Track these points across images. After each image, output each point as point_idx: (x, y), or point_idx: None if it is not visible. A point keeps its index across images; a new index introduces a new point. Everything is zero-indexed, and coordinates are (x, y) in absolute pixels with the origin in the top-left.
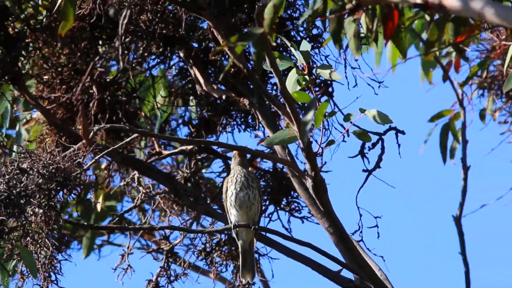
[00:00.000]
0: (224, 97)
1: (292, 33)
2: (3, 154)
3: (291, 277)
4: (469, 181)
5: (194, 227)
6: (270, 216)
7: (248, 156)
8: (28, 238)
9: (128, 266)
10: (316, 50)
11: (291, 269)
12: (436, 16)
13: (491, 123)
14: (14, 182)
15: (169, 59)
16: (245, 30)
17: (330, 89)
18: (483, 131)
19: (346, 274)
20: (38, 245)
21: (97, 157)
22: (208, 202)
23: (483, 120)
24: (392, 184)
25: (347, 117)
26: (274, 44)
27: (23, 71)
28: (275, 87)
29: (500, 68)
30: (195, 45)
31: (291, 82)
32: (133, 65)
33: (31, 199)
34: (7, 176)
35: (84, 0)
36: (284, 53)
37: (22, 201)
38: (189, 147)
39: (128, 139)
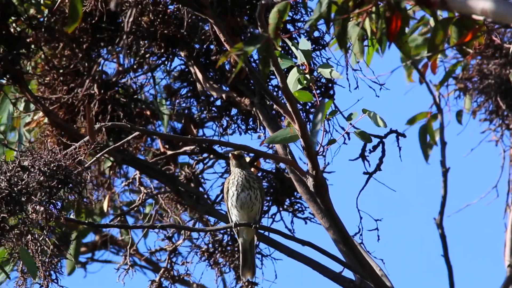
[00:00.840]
0: (225, 97)
1: (293, 35)
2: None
3: (292, 278)
4: (454, 182)
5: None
6: (273, 216)
7: (250, 155)
8: (29, 236)
9: (130, 266)
10: (318, 52)
11: (292, 270)
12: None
13: (471, 122)
14: (16, 179)
15: (171, 60)
16: (248, 29)
17: (331, 91)
18: (463, 130)
19: (347, 274)
20: (38, 244)
21: (98, 155)
22: (210, 202)
23: (460, 121)
24: (393, 187)
25: (349, 117)
26: (279, 48)
27: (25, 71)
28: (276, 89)
29: (477, 67)
30: (197, 46)
31: (292, 81)
32: (135, 66)
33: (32, 197)
34: (8, 174)
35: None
36: (285, 52)
37: (23, 199)
38: (192, 147)
39: (129, 137)
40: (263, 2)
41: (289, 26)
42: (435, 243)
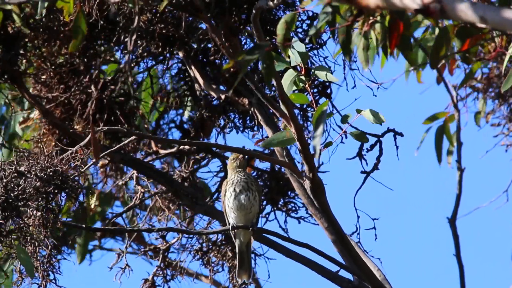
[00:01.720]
0: (223, 97)
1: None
2: None
3: (290, 278)
4: (464, 184)
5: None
6: (267, 216)
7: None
8: (27, 239)
9: (126, 265)
10: (315, 51)
11: (290, 270)
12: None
13: (486, 126)
14: (12, 185)
15: (168, 59)
16: (245, 30)
17: (328, 91)
18: (478, 133)
19: (345, 274)
20: (36, 245)
21: (95, 160)
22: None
23: (478, 123)
24: (390, 186)
25: (344, 118)
26: (288, 59)
27: (23, 72)
28: (273, 89)
29: (495, 70)
30: (194, 45)
31: (287, 82)
32: (132, 64)
33: (29, 202)
34: (4, 179)
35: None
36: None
37: (19, 204)
38: (187, 146)
39: (125, 141)
40: (257, 6)
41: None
42: (433, 242)
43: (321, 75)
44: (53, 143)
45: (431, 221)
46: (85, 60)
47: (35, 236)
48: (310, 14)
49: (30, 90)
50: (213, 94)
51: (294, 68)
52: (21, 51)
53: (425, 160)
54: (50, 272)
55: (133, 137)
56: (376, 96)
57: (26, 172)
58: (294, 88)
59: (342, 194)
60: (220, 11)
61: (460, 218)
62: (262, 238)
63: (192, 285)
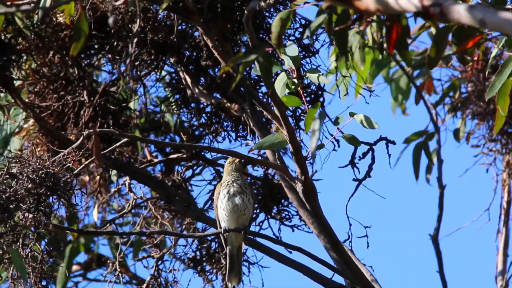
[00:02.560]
0: (215, 103)
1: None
2: None
3: (283, 283)
4: (446, 201)
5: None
6: (260, 224)
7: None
8: (19, 243)
9: (120, 272)
10: (308, 60)
11: (283, 277)
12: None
13: (465, 146)
14: (4, 186)
15: (161, 67)
16: (238, 36)
17: (321, 99)
18: (456, 152)
19: (337, 279)
20: (29, 250)
21: (86, 162)
22: (200, 208)
23: (458, 139)
24: (383, 194)
25: (336, 121)
26: (282, 58)
27: (15, 78)
28: (266, 96)
29: (471, 91)
30: (187, 52)
31: (280, 85)
32: (125, 73)
33: (21, 204)
34: None
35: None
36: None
37: (11, 206)
38: (180, 154)
39: (118, 144)
40: (250, 7)
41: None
42: (424, 250)
43: (313, 77)
44: (47, 148)
45: (424, 229)
46: (78, 69)
47: (27, 241)
48: (303, 22)
49: (24, 99)
50: (205, 100)
51: (286, 72)
52: (14, 57)
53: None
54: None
55: (125, 139)
56: (368, 103)
57: (18, 174)
58: (287, 91)
59: (335, 202)
60: (213, 16)
61: (442, 238)
62: (254, 243)
63: None
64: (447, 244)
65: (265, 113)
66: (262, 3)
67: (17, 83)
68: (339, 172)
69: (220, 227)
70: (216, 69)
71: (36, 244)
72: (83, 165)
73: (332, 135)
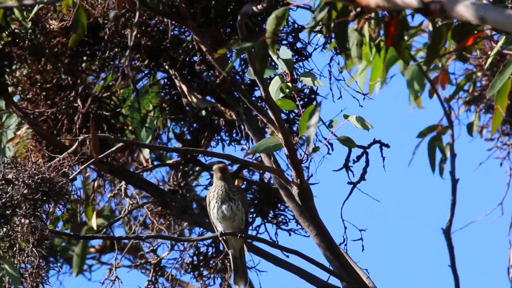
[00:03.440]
0: (209, 108)
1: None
2: None
3: (279, 287)
4: (458, 195)
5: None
6: (257, 228)
7: (234, 168)
8: (15, 249)
9: (116, 277)
10: (301, 63)
11: (281, 281)
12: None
13: (478, 139)
14: (0, 192)
15: (154, 72)
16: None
17: (314, 102)
18: (469, 146)
19: (334, 281)
20: (25, 255)
21: (83, 166)
22: (197, 212)
23: (471, 133)
24: (377, 197)
25: (330, 124)
26: (275, 57)
27: (9, 84)
28: (260, 100)
29: (485, 85)
30: (180, 58)
31: (274, 89)
32: (118, 79)
33: (17, 209)
34: None
35: (65, 13)
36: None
37: (7, 212)
38: (176, 159)
39: (113, 148)
40: (243, 12)
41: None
42: (420, 253)
43: (307, 81)
44: (41, 154)
45: (418, 232)
46: (70, 75)
47: (23, 246)
48: (296, 26)
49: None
50: (199, 105)
51: (280, 75)
52: (7, 63)
53: (412, 171)
54: (39, 284)
55: (120, 144)
56: (362, 106)
57: (13, 179)
58: (281, 95)
59: (330, 205)
60: (206, 21)
61: (455, 232)
62: (251, 247)
63: None
64: (460, 238)
65: (260, 116)
66: (255, 8)
67: (10, 89)
68: (334, 175)
69: (217, 231)
70: (210, 73)
71: (33, 249)
72: (79, 170)
73: (326, 139)
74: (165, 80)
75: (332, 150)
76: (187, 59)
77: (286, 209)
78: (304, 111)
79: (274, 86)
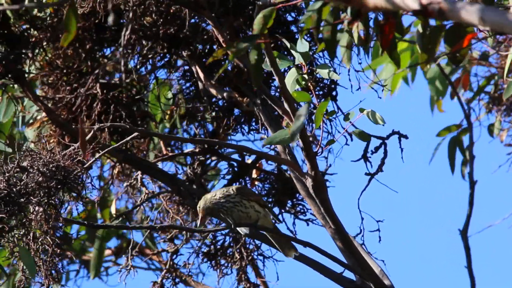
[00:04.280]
0: (226, 97)
1: (296, 36)
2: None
3: (292, 278)
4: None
5: None
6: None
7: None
8: (29, 237)
9: (131, 266)
10: (320, 53)
11: (292, 270)
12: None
13: (498, 143)
14: (14, 180)
15: (174, 60)
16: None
17: (334, 93)
18: (489, 148)
19: (348, 274)
20: (39, 243)
21: (98, 155)
22: None
23: (491, 134)
24: (395, 189)
25: (347, 116)
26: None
27: (27, 71)
28: (277, 91)
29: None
30: (199, 46)
31: (290, 81)
32: (137, 66)
33: (31, 197)
34: (7, 174)
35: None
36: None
37: (22, 199)
38: (194, 149)
39: (128, 138)
40: (260, 3)
41: (292, 27)
42: (437, 247)
43: (323, 73)
44: (57, 141)
45: (436, 225)
46: (91, 61)
47: (37, 234)
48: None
49: (37, 92)
50: (216, 94)
51: (297, 67)
52: (26, 51)
53: (431, 167)
54: (53, 271)
55: (135, 134)
56: (380, 98)
57: (28, 167)
58: (297, 87)
59: (347, 196)
60: (224, 11)
61: (473, 235)
62: (267, 239)
63: None
64: (476, 240)
65: (274, 107)
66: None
67: (31, 75)
68: (352, 166)
69: (231, 222)
70: (229, 64)
71: (47, 237)
72: (94, 158)
73: (346, 130)
74: (184, 69)
75: (352, 140)
76: (206, 47)
77: (304, 200)
78: (320, 103)
79: (290, 78)
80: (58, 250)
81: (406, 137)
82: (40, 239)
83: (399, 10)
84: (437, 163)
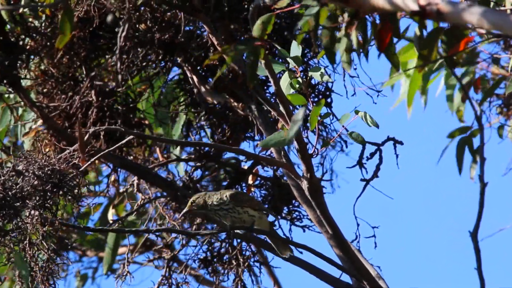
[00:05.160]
0: (222, 102)
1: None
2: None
3: (293, 283)
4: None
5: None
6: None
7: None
8: (26, 242)
9: (127, 272)
10: (315, 60)
11: (290, 274)
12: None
13: (507, 144)
14: (10, 183)
15: (169, 67)
16: (245, 34)
17: (328, 100)
18: (499, 151)
19: (344, 277)
20: (35, 248)
21: (93, 159)
22: None
23: (501, 135)
24: (391, 195)
25: (342, 119)
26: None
27: (22, 77)
28: (273, 96)
29: None
30: (195, 53)
31: (285, 85)
32: (132, 74)
33: (27, 201)
34: (2, 178)
35: (78, 3)
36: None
37: (17, 203)
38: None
39: (124, 141)
40: (254, 4)
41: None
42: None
43: (316, 75)
44: (54, 148)
45: (433, 231)
46: (86, 69)
47: (33, 239)
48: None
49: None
50: (212, 100)
51: (291, 71)
52: (21, 56)
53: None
54: (49, 277)
55: (130, 137)
56: (376, 103)
57: (24, 170)
58: (292, 90)
59: (342, 202)
60: (219, 15)
61: (485, 238)
62: (264, 244)
63: None
64: (487, 243)
65: (273, 112)
66: (267, 0)
67: (26, 84)
68: (347, 173)
69: (226, 225)
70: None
71: (43, 242)
72: (89, 162)
73: (340, 136)
74: (179, 76)
75: (346, 147)
76: (201, 53)
77: (300, 206)
78: (314, 107)
79: (285, 82)
80: (55, 256)
81: (401, 143)
82: (36, 244)
83: (397, 11)
84: (437, 167)
